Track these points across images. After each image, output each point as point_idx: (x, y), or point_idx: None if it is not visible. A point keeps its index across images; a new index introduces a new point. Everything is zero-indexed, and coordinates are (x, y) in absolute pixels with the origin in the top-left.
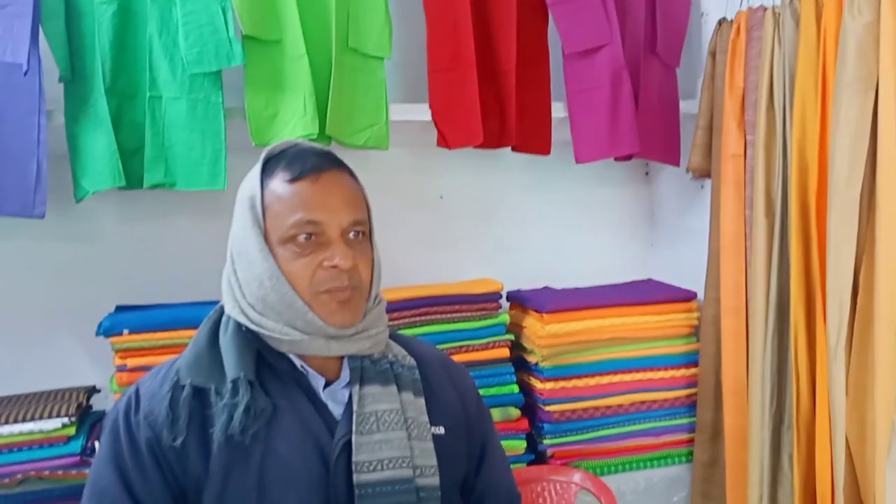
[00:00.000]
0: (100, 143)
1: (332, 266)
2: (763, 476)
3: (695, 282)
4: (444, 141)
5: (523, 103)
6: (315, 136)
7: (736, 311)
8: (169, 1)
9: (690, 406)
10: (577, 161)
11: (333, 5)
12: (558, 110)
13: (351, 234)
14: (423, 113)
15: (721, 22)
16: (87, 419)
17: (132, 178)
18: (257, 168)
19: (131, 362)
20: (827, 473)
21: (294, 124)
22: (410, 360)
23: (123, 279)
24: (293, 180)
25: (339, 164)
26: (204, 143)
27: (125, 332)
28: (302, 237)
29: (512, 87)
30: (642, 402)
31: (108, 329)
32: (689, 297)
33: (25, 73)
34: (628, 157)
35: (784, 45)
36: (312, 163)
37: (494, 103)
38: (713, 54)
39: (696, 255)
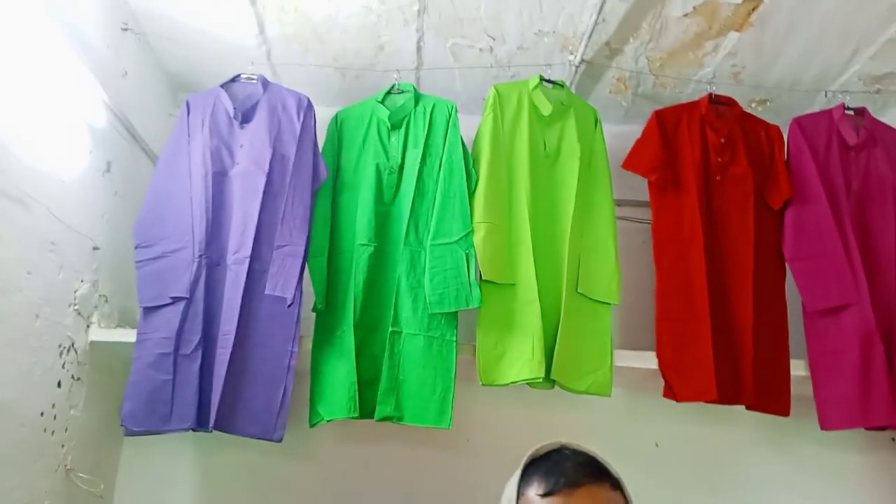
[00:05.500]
0: (341, 373)
1: None
2: None
3: None
4: (671, 393)
5: (759, 360)
6: (540, 380)
7: None
8: (419, 245)
9: None
10: (823, 428)
11: (566, 252)
12: (797, 368)
13: None
14: (647, 361)
15: None
16: None
17: (364, 409)
18: (517, 474)
19: None
20: None
21: (521, 366)
22: None
23: (340, 499)
24: (545, 494)
25: (598, 477)
26: (435, 379)
27: None
28: None
29: (748, 342)
30: None
31: None
32: None
33: (289, 306)
34: (882, 428)
35: None
36: (568, 476)
37: (728, 357)
38: None
39: None
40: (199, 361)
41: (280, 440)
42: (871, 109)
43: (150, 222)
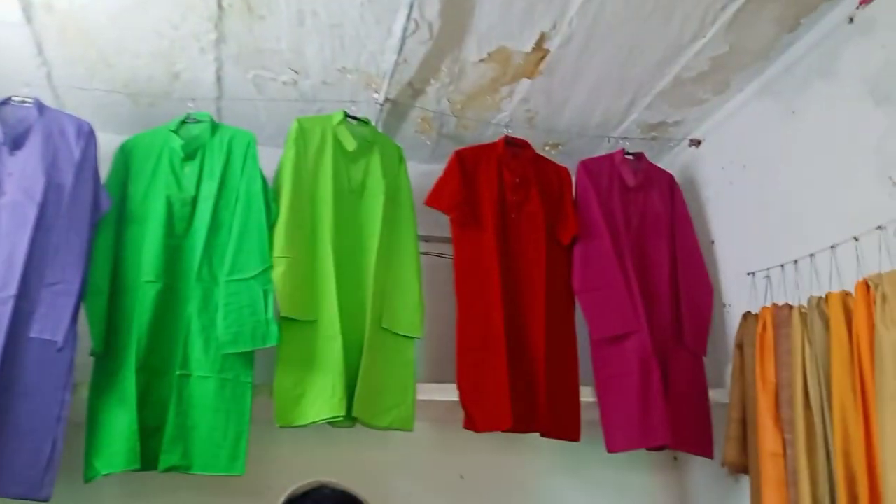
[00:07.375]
0: (120, 422)
1: None
2: None
3: None
4: (471, 423)
5: (552, 388)
6: (341, 418)
7: None
8: (213, 281)
9: None
10: (609, 451)
11: (371, 287)
12: (586, 395)
13: None
14: (450, 393)
15: (746, 315)
16: None
17: (147, 460)
18: None
19: None
20: None
21: (321, 405)
22: None
23: None
24: None
25: None
26: (227, 424)
27: None
28: None
29: (541, 371)
30: None
31: None
32: None
33: (59, 350)
34: (660, 448)
35: (815, 345)
36: None
37: (523, 387)
38: (740, 346)
39: None
40: None
41: (48, 499)
42: (648, 154)
43: None
